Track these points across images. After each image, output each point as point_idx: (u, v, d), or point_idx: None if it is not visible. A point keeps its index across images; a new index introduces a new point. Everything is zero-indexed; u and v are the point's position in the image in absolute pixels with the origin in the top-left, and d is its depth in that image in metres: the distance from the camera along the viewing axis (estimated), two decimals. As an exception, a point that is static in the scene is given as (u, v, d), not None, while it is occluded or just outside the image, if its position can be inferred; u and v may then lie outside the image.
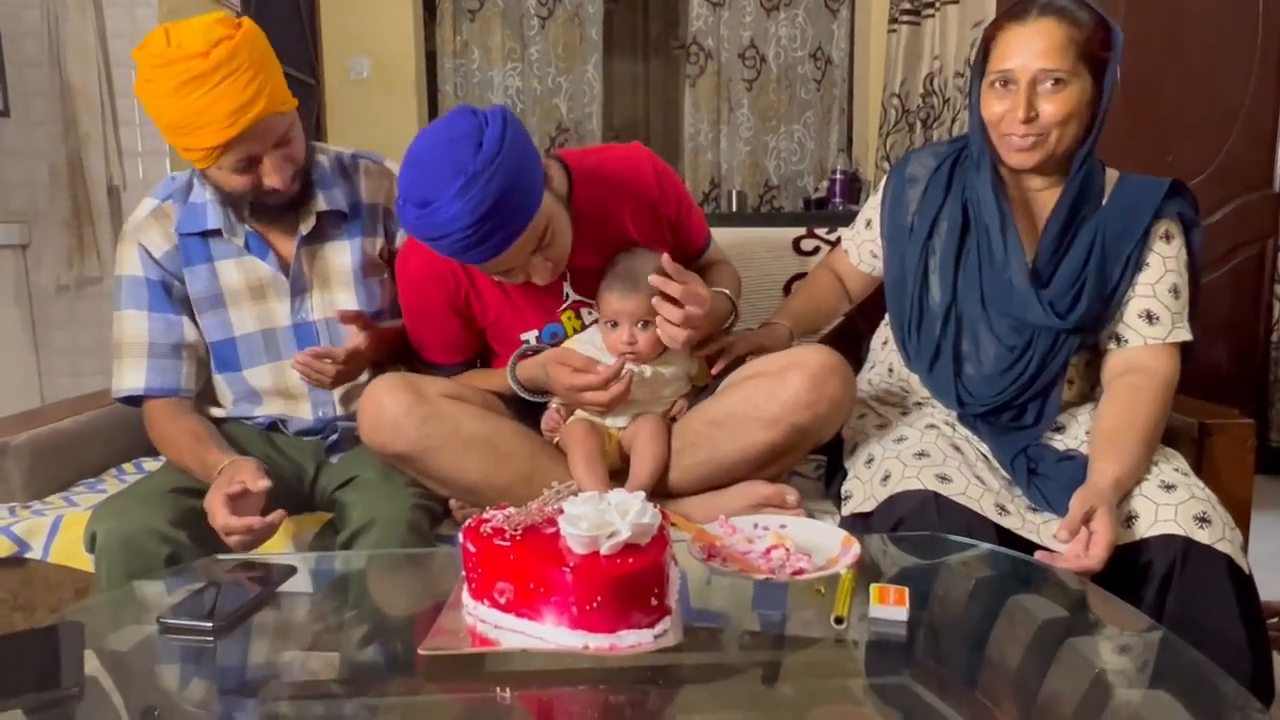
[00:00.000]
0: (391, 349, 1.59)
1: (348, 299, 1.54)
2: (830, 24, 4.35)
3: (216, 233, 1.49)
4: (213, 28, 1.30)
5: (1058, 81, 1.30)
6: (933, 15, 3.51)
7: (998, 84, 1.34)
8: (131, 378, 1.49)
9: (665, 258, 1.36)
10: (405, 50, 4.03)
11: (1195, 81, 2.99)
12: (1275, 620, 1.49)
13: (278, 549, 1.39)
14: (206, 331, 1.53)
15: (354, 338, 1.47)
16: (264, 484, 1.28)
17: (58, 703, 0.85)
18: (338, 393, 1.56)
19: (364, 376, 1.56)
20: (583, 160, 1.52)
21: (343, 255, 1.54)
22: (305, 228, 1.50)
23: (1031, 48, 1.30)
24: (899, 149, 3.72)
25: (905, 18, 3.70)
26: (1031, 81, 1.30)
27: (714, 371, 1.49)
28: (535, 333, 1.54)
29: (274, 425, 1.57)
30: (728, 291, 1.57)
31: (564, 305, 1.53)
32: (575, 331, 1.54)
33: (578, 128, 4.37)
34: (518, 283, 1.44)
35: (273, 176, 1.38)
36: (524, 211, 1.29)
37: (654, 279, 1.36)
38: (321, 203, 1.50)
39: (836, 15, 4.34)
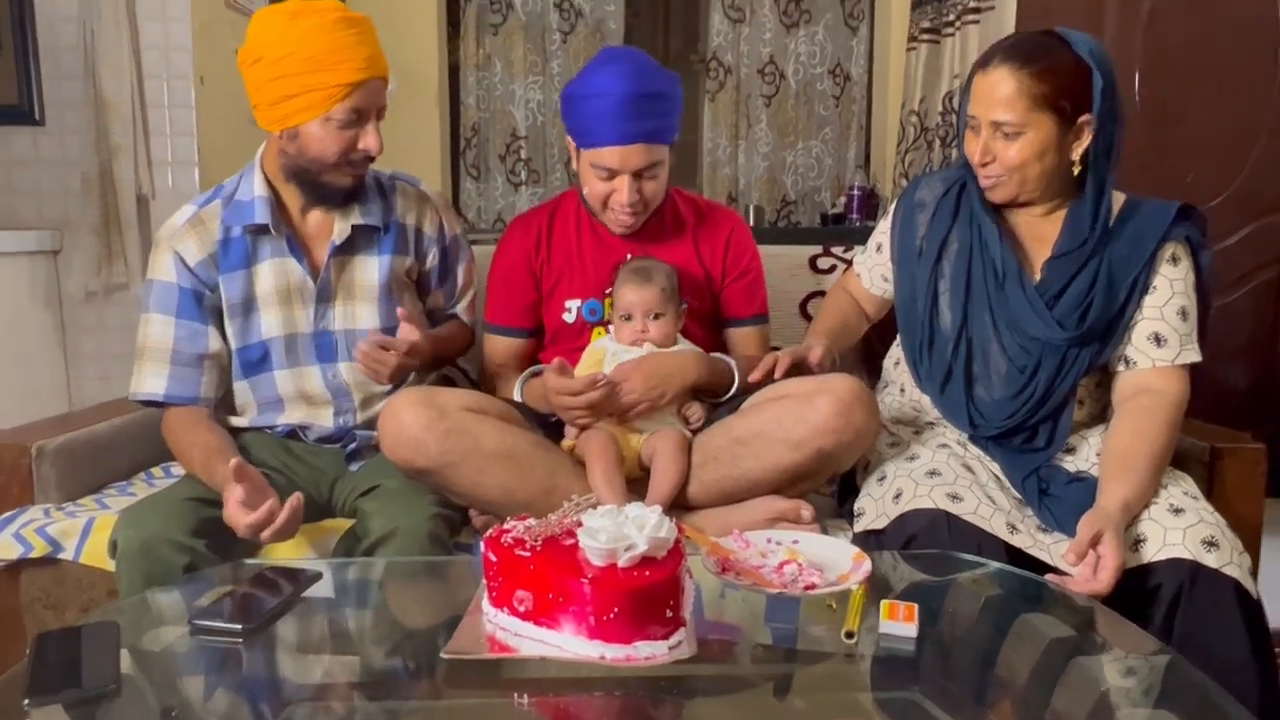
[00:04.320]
0: (436, 355, 1.66)
1: (370, 312, 1.59)
2: (850, 41, 4.38)
3: (262, 230, 1.53)
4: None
5: (1010, 131, 1.34)
6: (953, 34, 3.52)
7: (970, 124, 1.40)
8: (152, 382, 1.52)
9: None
10: (429, 63, 4.09)
11: (1215, 104, 2.99)
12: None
13: (301, 554, 1.42)
14: (235, 337, 1.56)
15: (410, 333, 1.52)
16: (235, 460, 1.31)
17: (96, 699, 0.88)
18: (358, 400, 1.59)
19: (386, 387, 1.60)
20: (685, 192, 1.81)
21: (370, 270, 1.59)
22: (340, 236, 1.54)
23: (988, 97, 1.35)
24: (917, 166, 3.74)
25: (925, 36, 3.72)
26: (990, 127, 1.36)
27: (753, 378, 1.50)
28: (579, 302, 1.68)
29: (293, 434, 1.60)
30: (732, 361, 1.62)
31: (611, 288, 1.65)
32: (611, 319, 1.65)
33: (598, 141, 4.41)
34: (607, 205, 1.62)
35: (371, 137, 1.47)
36: (661, 126, 1.57)
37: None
38: (357, 215, 1.56)
39: (856, 33, 4.37)
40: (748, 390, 1.53)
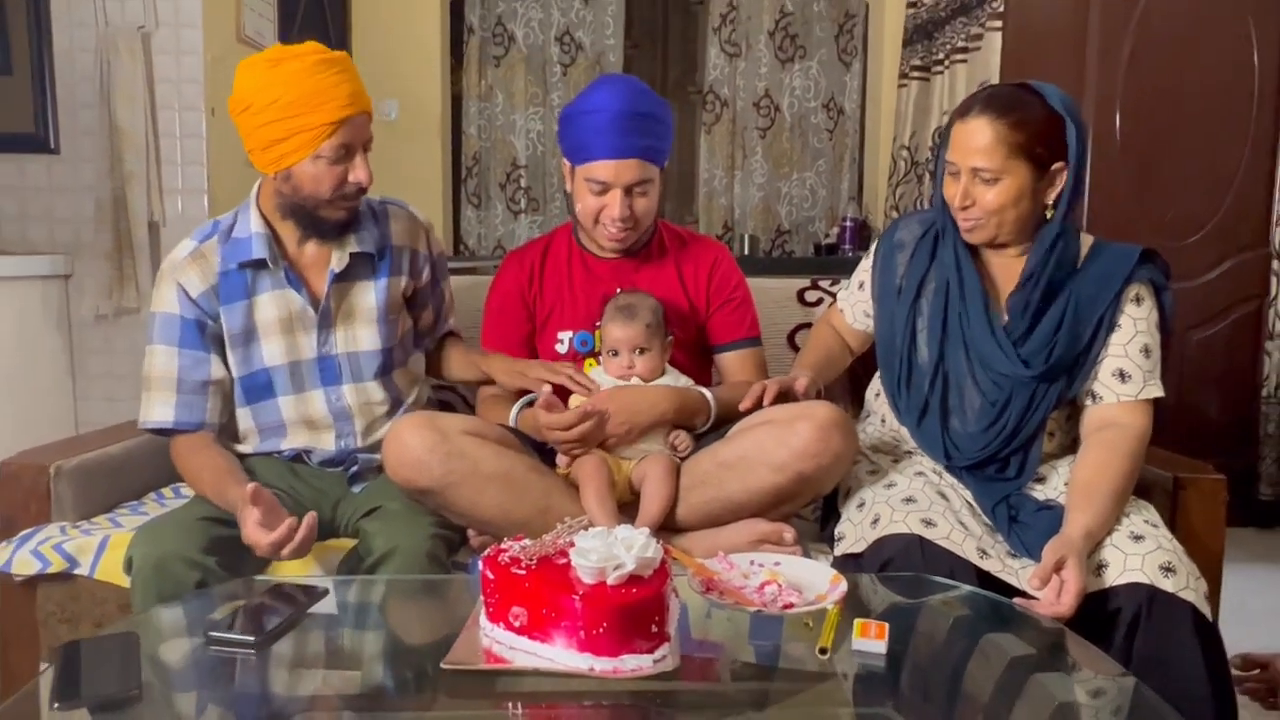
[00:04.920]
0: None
1: (369, 335, 1.65)
2: (843, 76, 4.50)
3: (260, 264, 1.59)
4: (319, 44, 1.54)
5: (989, 177, 1.41)
6: (942, 72, 3.63)
7: (949, 170, 1.47)
8: (160, 411, 1.58)
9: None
10: (432, 94, 4.19)
11: (1194, 145, 3.09)
12: (1259, 672, 1.54)
13: (306, 571, 1.48)
14: (237, 366, 1.61)
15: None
16: (251, 485, 1.37)
17: (120, 704, 0.95)
18: (360, 425, 1.66)
19: (387, 407, 1.68)
20: (670, 225, 1.87)
21: (369, 294, 1.66)
22: (339, 266, 1.61)
23: (967, 145, 1.42)
24: (908, 199, 3.83)
25: (916, 73, 3.82)
26: (969, 173, 1.43)
27: (743, 407, 1.54)
28: (570, 334, 1.75)
29: (298, 457, 1.66)
30: (707, 393, 1.66)
31: (601, 320, 1.71)
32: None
33: (596, 170, 4.51)
34: (599, 219, 1.68)
35: (360, 170, 1.54)
36: (653, 145, 1.64)
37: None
38: (354, 244, 1.62)
39: (849, 68, 4.49)
40: (736, 418, 1.60)
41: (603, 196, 1.66)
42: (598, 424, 1.54)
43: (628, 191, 1.65)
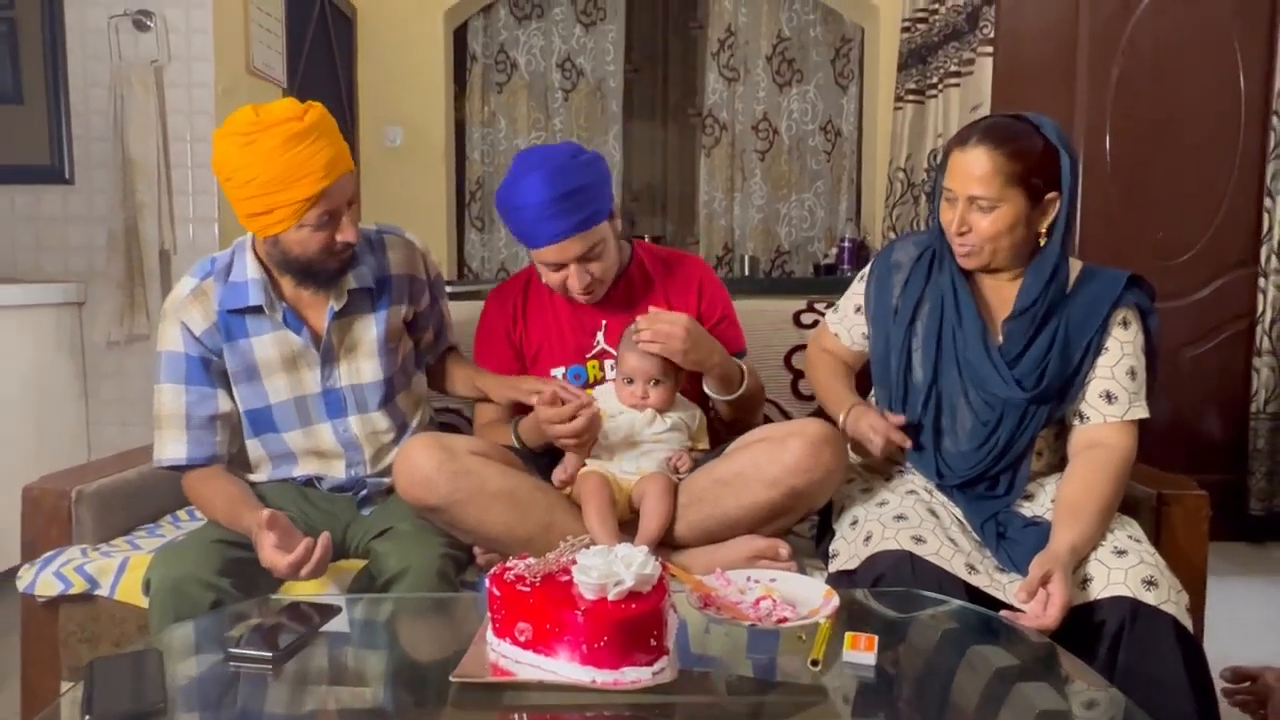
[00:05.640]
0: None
1: (372, 367, 1.68)
2: (840, 99, 4.57)
3: (256, 309, 1.59)
4: (293, 104, 1.49)
5: (986, 205, 1.46)
6: (936, 96, 3.70)
7: (946, 196, 1.52)
8: (172, 449, 1.61)
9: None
10: (436, 120, 4.27)
11: (1183, 167, 3.14)
12: (1249, 684, 1.58)
13: (321, 591, 1.53)
14: (243, 400, 1.64)
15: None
16: (266, 511, 1.42)
17: (145, 717, 1.00)
18: (368, 453, 1.70)
19: (393, 434, 1.72)
20: (649, 246, 1.90)
21: (369, 327, 1.68)
22: (338, 304, 1.63)
23: (965, 173, 1.47)
24: (904, 220, 3.89)
25: (910, 97, 3.90)
26: (966, 201, 1.48)
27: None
28: (562, 369, 1.77)
29: (309, 482, 1.70)
30: (743, 366, 1.74)
31: (593, 352, 1.76)
32: (596, 380, 1.76)
33: (597, 194, 4.57)
34: (565, 289, 1.71)
35: (348, 230, 1.53)
36: (587, 214, 1.64)
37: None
38: (352, 281, 1.63)
39: (846, 91, 4.57)
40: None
41: (559, 272, 1.70)
42: (593, 419, 1.58)
43: (581, 259, 1.67)
